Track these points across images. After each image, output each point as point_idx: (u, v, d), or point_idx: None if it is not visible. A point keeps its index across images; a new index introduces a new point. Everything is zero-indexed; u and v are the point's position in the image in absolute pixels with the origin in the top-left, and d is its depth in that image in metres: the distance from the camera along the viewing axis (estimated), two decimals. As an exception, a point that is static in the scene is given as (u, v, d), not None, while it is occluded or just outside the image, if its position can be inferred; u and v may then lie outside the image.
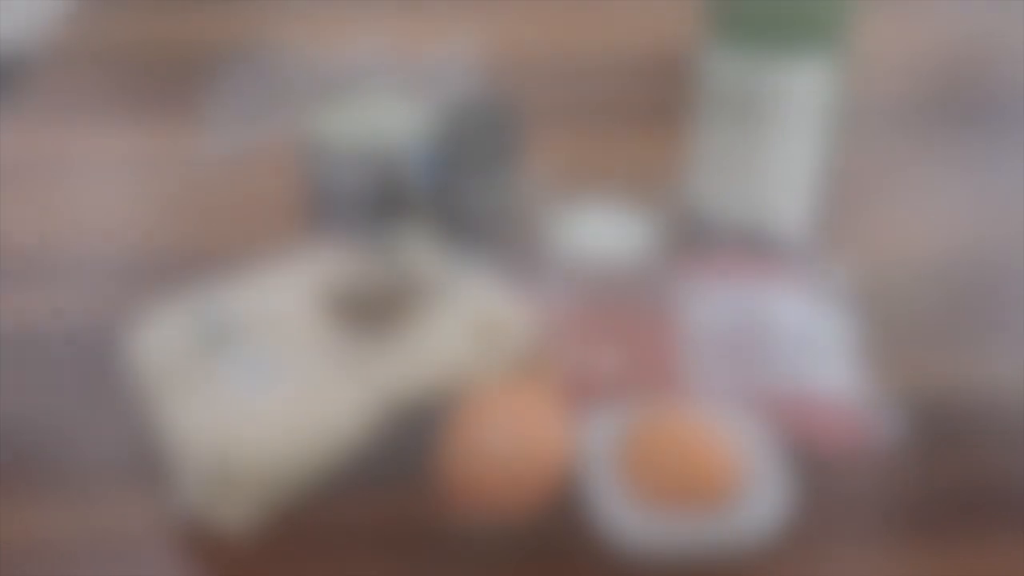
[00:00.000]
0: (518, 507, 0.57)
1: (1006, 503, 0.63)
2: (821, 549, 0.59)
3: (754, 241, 0.74)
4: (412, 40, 1.18)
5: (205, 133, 0.98)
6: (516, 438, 0.57)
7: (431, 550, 0.59)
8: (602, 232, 0.77)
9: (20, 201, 0.88)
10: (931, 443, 0.66)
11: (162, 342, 0.65)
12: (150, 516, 0.60)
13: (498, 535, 0.59)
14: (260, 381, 0.60)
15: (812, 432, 0.63)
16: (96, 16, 1.21)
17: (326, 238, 0.71)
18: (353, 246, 0.71)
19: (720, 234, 0.75)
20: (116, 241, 0.84)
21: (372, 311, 0.65)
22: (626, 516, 0.56)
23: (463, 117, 0.74)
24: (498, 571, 0.58)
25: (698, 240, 0.76)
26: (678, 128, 0.87)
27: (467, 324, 0.63)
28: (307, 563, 0.58)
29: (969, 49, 1.21)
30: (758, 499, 0.58)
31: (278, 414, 0.59)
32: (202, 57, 1.12)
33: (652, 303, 0.67)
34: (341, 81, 1.07)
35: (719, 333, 0.64)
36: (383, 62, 1.12)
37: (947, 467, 0.65)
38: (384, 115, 0.75)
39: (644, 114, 1.06)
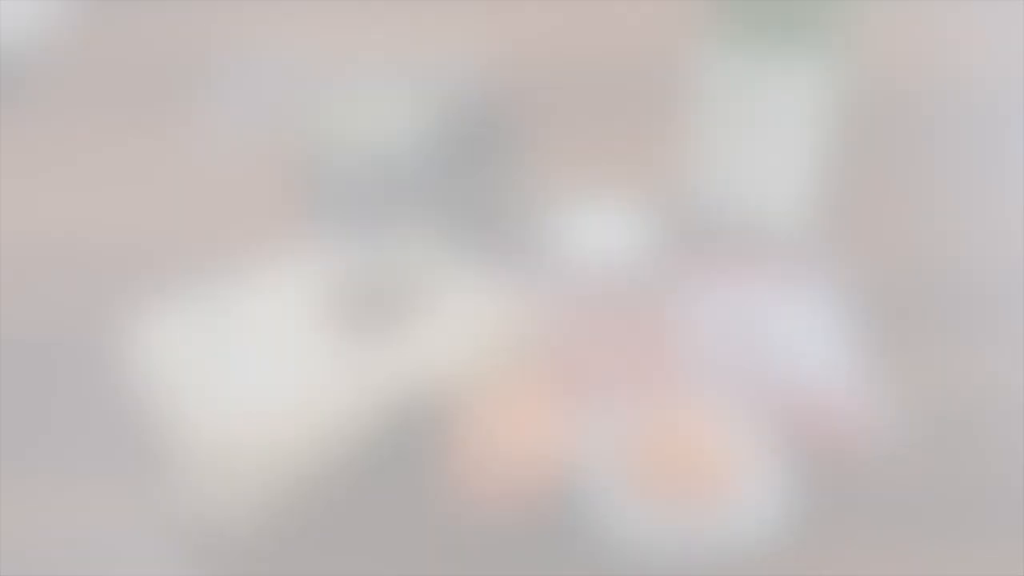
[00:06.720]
0: (518, 506, 0.57)
1: (1006, 503, 0.63)
2: (821, 548, 0.59)
3: (754, 240, 0.74)
4: (412, 40, 1.18)
5: (204, 132, 0.98)
6: (516, 437, 0.57)
7: (430, 549, 0.59)
8: (602, 232, 0.77)
9: (20, 200, 0.88)
10: (931, 443, 0.67)
11: (164, 340, 0.65)
12: (152, 513, 0.60)
13: (498, 534, 0.59)
14: (261, 379, 0.60)
15: (812, 431, 0.63)
16: (94, 16, 1.21)
17: (325, 237, 0.71)
18: (353, 245, 0.71)
19: (719, 233, 0.75)
20: (117, 240, 0.84)
21: (372, 311, 0.65)
22: (626, 516, 0.56)
23: (463, 116, 0.74)
24: (497, 570, 0.58)
25: (698, 239, 0.76)
26: (678, 127, 0.87)
27: (467, 324, 0.63)
28: (308, 560, 0.58)
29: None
30: (758, 498, 0.58)
31: (279, 412, 0.59)
32: (201, 57, 1.12)
33: (651, 302, 0.67)
34: (340, 81, 1.07)
35: (718, 332, 0.64)
36: (381, 62, 1.12)
37: (947, 467, 0.65)
38: (384, 115, 0.75)
39: (644, 113, 1.06)
